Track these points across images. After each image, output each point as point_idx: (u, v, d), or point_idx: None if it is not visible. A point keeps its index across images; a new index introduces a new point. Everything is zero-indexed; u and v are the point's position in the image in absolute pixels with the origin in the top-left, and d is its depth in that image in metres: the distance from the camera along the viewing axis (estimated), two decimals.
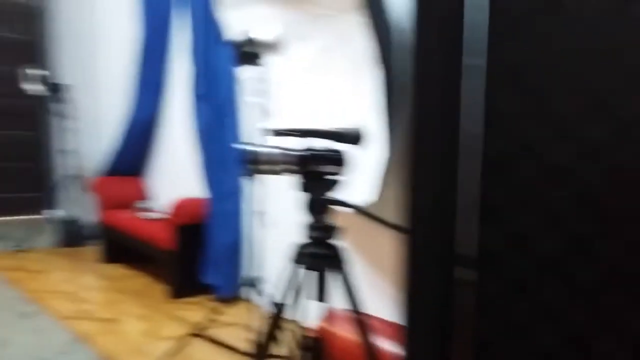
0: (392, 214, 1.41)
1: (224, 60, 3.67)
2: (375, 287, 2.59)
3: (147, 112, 4.40)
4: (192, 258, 3.72)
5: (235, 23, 3.44)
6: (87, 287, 3.83)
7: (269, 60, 2.84)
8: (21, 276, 3.94)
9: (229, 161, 3.73)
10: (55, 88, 4.83)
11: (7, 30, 5.53)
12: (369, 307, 1.81)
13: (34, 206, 5.66)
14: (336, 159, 1.63)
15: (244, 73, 2.99)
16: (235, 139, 3.68)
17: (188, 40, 3.97)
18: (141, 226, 4.02)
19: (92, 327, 3.14)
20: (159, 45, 4.31)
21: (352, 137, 1.62)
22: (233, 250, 3.71)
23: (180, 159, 4.28)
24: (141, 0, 4.37)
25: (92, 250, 4.68)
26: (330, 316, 2.17)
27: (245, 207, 3.69)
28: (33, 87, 4.71)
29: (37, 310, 3.32)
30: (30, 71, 4.70)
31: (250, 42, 2.64)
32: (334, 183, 1.62)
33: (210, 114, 3.75)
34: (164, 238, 3.74)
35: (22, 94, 4.81)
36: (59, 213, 5.02)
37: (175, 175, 4.38)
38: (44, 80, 4.70)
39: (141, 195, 4.53)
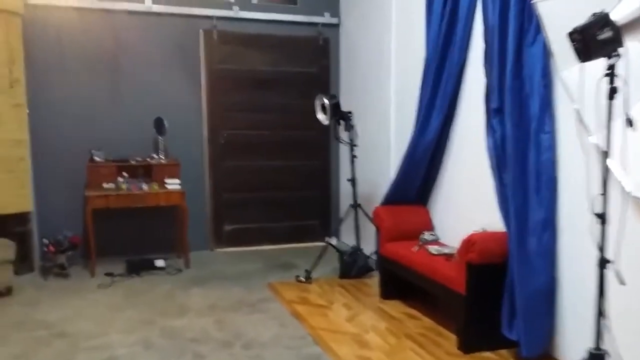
0: None
1: (533, 62, 2.97)
2: None
3: (432, 135, 3.93)
4: (488, 304, 3.08)
5: (560, 10, 2.72)
6: (369, 328, 3.48)
7: (624, 49, 2.06)
8: (305, 310, 3.81)
9: (537, 187, 2.99)
10: (342, 116, 4.75)
11: (300, 64, 5.79)
12: None
13: (318, 234, 5.75)
14: None
15: (572, 72, 2.23)
16: (549, 159, 2.92)
17: (482, 49, 3.42)
18: (424, 261, 3.54)
19: None
20: (447, 61, 3.83)
21: None
22: (545, 299, 2.95)
23: (471, 185, 3.69)
24: (429, 17, 3.98)
25: (371, 283, 4.40)
26: None
27: (566, 245, 2.91)
28: (323, 117, 4.71)
29: (320, 354, 3.07)
30: (319, 102, 4.71)
31: (602, 26, 1.92)
32: None
33: (509, 131, 3.09)
34: (452, 277, 3.19)
35: (312, 124, 4.87)
36: (341, 242, 4.91)
37: (465, 204, 3.79)
38: (331, 109, 4.65)
39: (425, 226, 4.06)
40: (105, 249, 4.96)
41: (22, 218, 4.70)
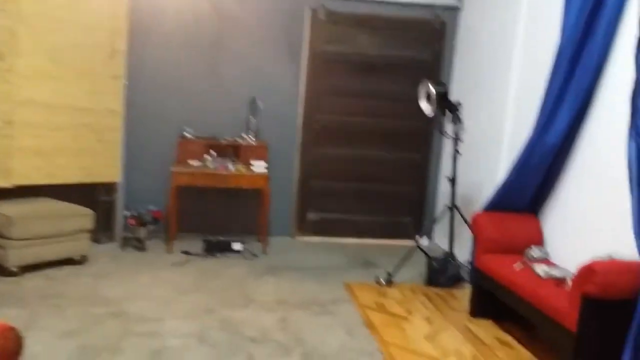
0: None
1: None
2: None
3: (556, 137, 3.28)
4: (605, 348, 2.44)
5: None
6: (451, 352, 2.96)
7: None
8: (380, 319, 3.36)
9: None
10: (449, 107, 4.15)
11: (411, 49, 5.26)
12: None
13: (407, 232, 5.26)
14: None
15: None
16: None
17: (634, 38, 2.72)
18: (528, 283, 2.93)
19: None
20: (586, 51, 3.16)
21: None
22: None
23: (599, 199, 3.02)
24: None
25: (461, 296, 3.85)
26: None
27: None
28: (427, 107, 4.15)
29: None
30: (425, 89, 4.16)
31: None
32: None
33: None
34: (561, 309, 2.58)
35: (416, 114, 4.36)
36: (431, 245, 4.37)
37: (588, 221, 3.12)
38: (437, 98, 4.08)
39: (534, 240, 3.43)
40: (185, 226, 4.87)
41: (109, 188, 4.70)
